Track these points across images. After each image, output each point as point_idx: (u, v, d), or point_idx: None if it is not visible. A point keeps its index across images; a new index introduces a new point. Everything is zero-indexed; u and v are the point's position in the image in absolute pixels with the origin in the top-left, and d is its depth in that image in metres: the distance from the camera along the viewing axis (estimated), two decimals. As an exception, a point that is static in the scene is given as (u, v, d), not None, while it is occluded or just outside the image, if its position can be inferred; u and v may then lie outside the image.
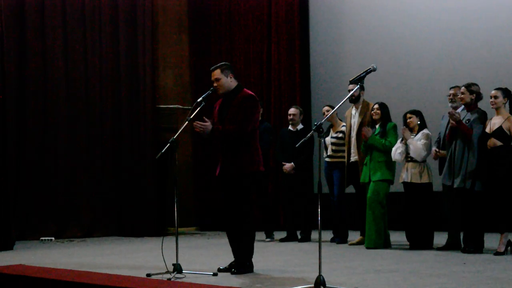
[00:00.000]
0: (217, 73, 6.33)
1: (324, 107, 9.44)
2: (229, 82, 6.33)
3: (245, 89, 6.42)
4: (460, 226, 7.79)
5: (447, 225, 7.95)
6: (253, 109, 6.28)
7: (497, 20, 10.05)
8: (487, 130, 7.31)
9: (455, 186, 7.47)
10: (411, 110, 8.30)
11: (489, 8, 10.17)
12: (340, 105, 5.62)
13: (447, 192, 7.85)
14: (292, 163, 9.48)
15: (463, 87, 7.62)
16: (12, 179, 10.69)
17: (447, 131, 7.81)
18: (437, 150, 8.01)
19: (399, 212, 8.42)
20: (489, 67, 9.92)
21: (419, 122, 8.14)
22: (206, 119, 6.21)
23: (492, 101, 7.31)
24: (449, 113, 7.58)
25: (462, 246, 7.64)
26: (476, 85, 7.61)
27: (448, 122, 7.85)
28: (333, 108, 8.76)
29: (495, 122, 7.28)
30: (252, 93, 6.39)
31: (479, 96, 7.55)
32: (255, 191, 6.39)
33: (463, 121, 7.46)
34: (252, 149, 6.27)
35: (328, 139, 9.25)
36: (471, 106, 7.56)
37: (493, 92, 7.34)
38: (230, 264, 6.34)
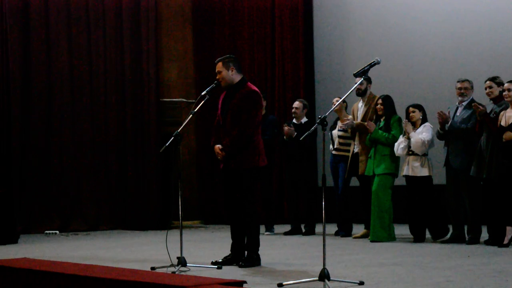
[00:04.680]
0: (218, 66, 6.34)
1: (334, 98, 9.40)
2: (230, 75, 6.29)
3: (249, 83, 6.39)
4: (464, 219, 7.77)
5: (452, 218, 7.93)
6: (255, 105, 6.26)
7: (502, 12, 10.01)
8: (503, 123, 7.19)
9: (484, 176, 7.37)
10: (414, 104, 8.27)
11: (494, 1, 10.12)
12: (346, 96, 5.61)
13: (451, 185, 7.83)
14: (293, 129, 9.37)
15: (488, 81, 7.51)
16: (17, 173, 10.72)
17: (455, 120, 7.74)
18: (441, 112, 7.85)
19: (402, 205, 8.41)
20: (494, 60, 9.87)
21: (421, 117, 8.13)
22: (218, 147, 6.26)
23: (505, 94, 7.22)
24: (473, 105, 7.46)
25: (467, 238, 7.65)
26: (499, 77, 7.54)
27: (455, 113, 7.81)
28: (343, 101, 8.73)
29: (510, 115, 7.17)
30: (255, 88, 6.35)
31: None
32: (258, 185, 6.38)
33: (491, 114, 7.35)
34: (254, 144, 6.25)
35: (335, 132, 9.23)
36: (499, 99, 7.43)
37: (506, 85, 7.25)
38: (225, 257, 6.35)
